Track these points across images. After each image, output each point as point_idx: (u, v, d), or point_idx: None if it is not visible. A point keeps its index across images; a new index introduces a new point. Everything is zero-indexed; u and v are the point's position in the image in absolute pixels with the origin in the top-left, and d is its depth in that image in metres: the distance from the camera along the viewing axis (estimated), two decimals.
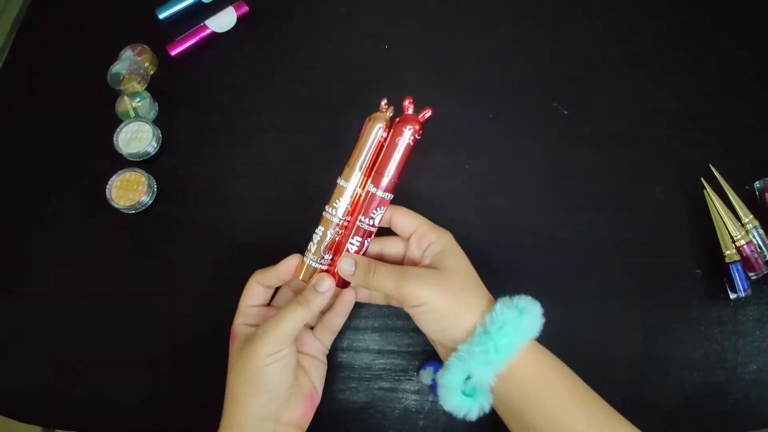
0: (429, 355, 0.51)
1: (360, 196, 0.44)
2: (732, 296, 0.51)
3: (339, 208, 0.44)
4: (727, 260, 0.51)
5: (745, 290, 0.50)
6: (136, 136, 0.57)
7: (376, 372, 0.51)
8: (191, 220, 0.56)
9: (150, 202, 0.56)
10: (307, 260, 0.44)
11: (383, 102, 0.44)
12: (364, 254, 0.45)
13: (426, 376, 0.49)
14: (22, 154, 0.60)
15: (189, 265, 0.55)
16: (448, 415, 0.50)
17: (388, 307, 0.52)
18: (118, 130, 0.57)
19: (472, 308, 0.41)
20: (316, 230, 0.44)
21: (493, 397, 0.41)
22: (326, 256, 0.44)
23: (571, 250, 0.54)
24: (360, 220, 0.44)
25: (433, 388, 0.49)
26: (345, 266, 0.43)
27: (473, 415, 0.40)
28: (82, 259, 0.55)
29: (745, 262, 0.51)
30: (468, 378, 0.40)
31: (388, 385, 0.51)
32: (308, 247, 0.45)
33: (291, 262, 0.44)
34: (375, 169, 0.44)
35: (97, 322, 0.53)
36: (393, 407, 0.50)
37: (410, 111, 0.43)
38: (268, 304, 0.48)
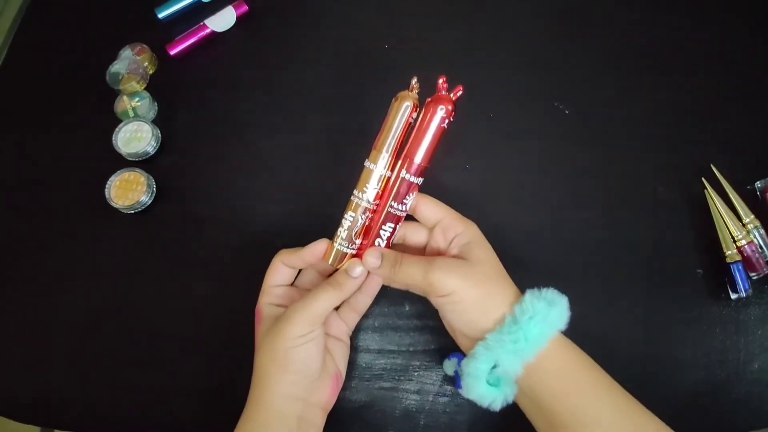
0: (429, 355, 0.51)
1: (389, 179, 0.43)
2: (733, 296, 0.50)
3: (368, 192, 0.42)
4: (728, 260, 0.51)
5: (746, 290, 0.50)
6: (136, 136, 0.57)
7: (376, 372, 0.51)
8: (190, 220, 0.56)
9: (149, 202, 0.56)
10: (336, 245, 0.43)
11: (413, 80, 0.41)
12: (393, 241, 0.45)
13: (449, 366, 0.49)
14: (21, 153, 0.59)
15: (188, 264, 0.54)
16: (449, 415, 0.50)
17: (389, 306, 0.52)
18: (117, 129, 0.57)
19: (501, 298, 0.41)
20: (346, 215, 0.43)
21: (516, 389, 0.40)
22: (357, 241, 0.43)
23: (572, 249, 0.54)
24: (391, 206, 0.43)
25: (455, 379, 0.48)
26: (372, 259, 0.43)
27: (497, 405, 0.40)
28: (80, 259, 0.55)
29: (746, 262, 0.50)
30: (494, 368, 0.40)
31: (389, 385, 0.51)
32: (338, 232, 0.43)
33: (319, 246, 0.44)
34: (405, 152, 0.42)
35: (96, 322, 0.53)
36: (393, 407, 0.50)
37: (443, 92, 0.41)
38: (292, 284, 0.48)
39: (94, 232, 0.56)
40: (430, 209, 0.45)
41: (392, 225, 0.43)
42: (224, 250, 0.55)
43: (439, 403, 0.50)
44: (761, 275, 0.50)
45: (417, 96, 0.41)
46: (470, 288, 0.40)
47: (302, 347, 0.41)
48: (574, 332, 0.51)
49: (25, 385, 0.52)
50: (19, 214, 0.57)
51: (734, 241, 0.51)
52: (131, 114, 0.58)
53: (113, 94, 0.60)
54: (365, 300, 0.48)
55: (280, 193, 0.56)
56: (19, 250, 0.56)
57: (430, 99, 0.41)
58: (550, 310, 0.39)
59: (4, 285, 0.55)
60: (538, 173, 0.56)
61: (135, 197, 0.55)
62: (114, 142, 0.57)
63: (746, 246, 0.50)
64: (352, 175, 0.56)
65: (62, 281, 0.54)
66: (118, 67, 0.60)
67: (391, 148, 0.42)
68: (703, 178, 0.54)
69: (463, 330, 0.43)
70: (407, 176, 0.42)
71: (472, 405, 0.49)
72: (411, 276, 0.42)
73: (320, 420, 0.45)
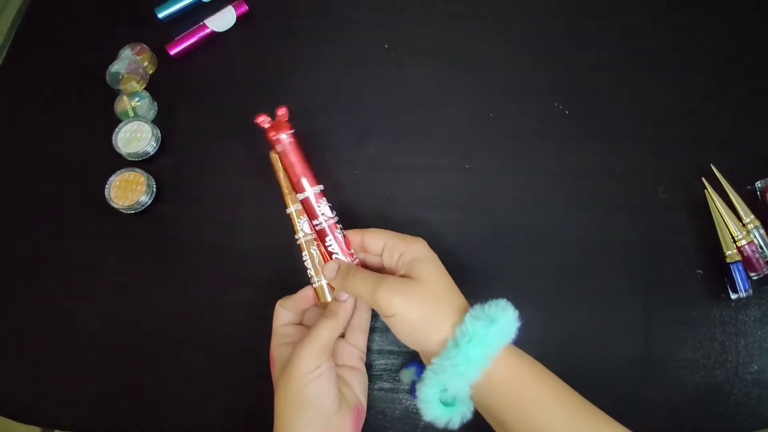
0: None
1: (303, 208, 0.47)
2: (733, 296, 0.50)
3: (302, 228, 0.47)
4: (728, 260, 0.51)
5: (746, 290, 0.50)
6: (135, 136, 0.57)
7: (376, 372, 0.51)
8: (190, 220, 0.56)
9: (149, 202, 0.56)
10: (316, 285, 0.46)
11: (260, 119, 0.47)
12: (347, 247, 0.46)
13: (407, 375, 0.50)
14: (20, 153, 0.59)
15: (188, 264, 0.54)
16: None
17: None
18: (117, 129, 0.57)
19: (445, 319, 0.41)
20: (303, 257, 0.47)
21: (472, 405, 0.41)
22: None
23: (572, 250, 0.54)
24: (316, 224, 0.46)
25: (411, 389, 0.49)
26: (328, 271, 0.45)
27: (455, 424, 0.41)
28: (80, 259, 0.55)
29: (746, 262, 0.50)
30: (445, 390, 0.40)
31: (389, 386, 0.51)
32: (309, 274, 0.47)
33: (306, 293, 0.46)
34: (289, 179, 0.47)
35: (95, 322, 0.53)
36: (393, 408, 0.50)
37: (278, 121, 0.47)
38: (301, 323, 0.48)
39: (94, 232, 0.56)
40: (374, 238, 0.46)
41: (331, 237, 0.46)
42: (224, 250, 0.55)
43: (417, 409, 0.50)
44: (761, 275, 0.50)
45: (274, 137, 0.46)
46: (414, 309, 0.40)
47: (313, 383, 0.41)
48: (575, 332, 0.51)
49: (25, 385, 0.52)
50: (19, 214, 0.57)
51: (734, 241, 0.51)
52: (131, 114, 0.58)
53: (113, 94, 0.60)
54: (365, 315, 0.48)
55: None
56: (18, 250, 0.56)
57: (267, 135, 0.46)
58: (489, 329, 0.39)
59: (4, 285, 0.55)
60: (538, 173, 0.56)
61: (135, 197, 0.54)
62: (114, 142, 0.56)
63: (746, 246, 0.50)
64: (352, 175, 0.56)
65: (62, 281, 0.54)
66: (118, 67, 0.60)
67: (301, 174, 0.46)
68: (703, 178, 0.54)
69: (414, 348, 0.43)
70: (305, 193, 0.46)
71: None
72: (360, 290, 0.42)
73: None
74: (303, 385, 0.41)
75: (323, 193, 0.47)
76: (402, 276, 0.43)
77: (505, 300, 0.41)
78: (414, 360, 0.50)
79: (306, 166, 0.47)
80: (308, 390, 0.41)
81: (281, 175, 0.47)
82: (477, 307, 0.41)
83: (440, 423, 0.41)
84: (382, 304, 0.40)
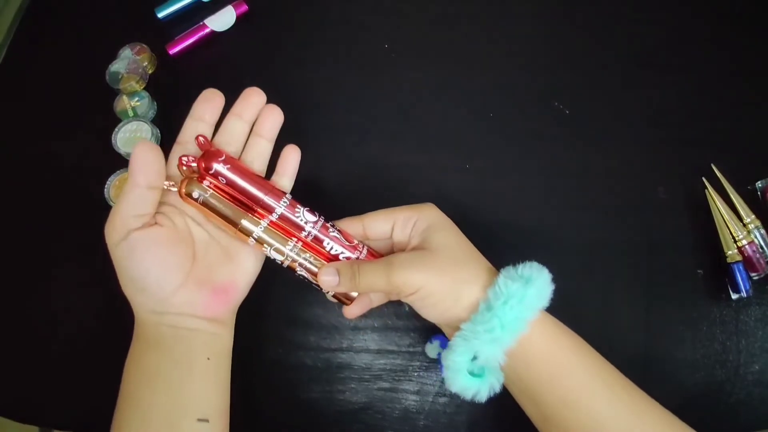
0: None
1: (279, 227, 0.42)
2: (734, 296, 0.50)
3: (286, 253, 0.41)
4: (729, 260, 0.51)
5: (746, 290, 0.50)
6: (135, 136, 0.57)
7: (375, 372, 0.51)
8: None
9: None
10: (329, 296, 0.44)
11: (184, 159, 0.42)
12: (348, 240, 0.43)
13: (432, 350, 0.48)
14: (20, 153, 0.59)
15: None
16: (449, 416, 0.50)
17: (388, 306, 0.52)
18: (116, 129, 0.57)
19: (472, 283, 0.38)
20: (299, 274, 0.43)
21: (503, 377, 0.38)
22: (317, 262, 0.43)
23: (572, 249, 0.53)
24: (304, 235, 0.42)
25: (439, 362, 0.47)
26: (328, 278, 0.41)
27: (483, 396, 0.38)
28: (80, 259, 0.55)
29: (747, 263, 0.50)
30: (475, 358, 0.37)
31: (388, 386, 0.50)
32: (320, 289, 0.43)
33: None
34: (250, 201, 0.42)
35: (95, 322, 0.53)
36: (393, 407, 0.50)
37: (202, 151, 0.42)
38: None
39: (94, 232, 0.56)
40: (377, 222, 0.43)
41: (327, 241, 0.42)
42: None
43: (439, 403, 0.50)
44: (762, 275, 0.50)
45: (194, 172, 0.42)
46: (437, 279, 0.37)
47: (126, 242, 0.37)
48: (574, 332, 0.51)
49: (25, 385, 0.52)
50: (19, 214, 0.57)
51: (735, 241, 0.51)
52: (131, 113, 0.58)
53: (113, 93, 0.60)
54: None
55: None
56: (18, 249, 0.56)
57: (199, 168, 0.41)
58: (526, 290, 0.36)
59: (4, 285, 0.55)
60: (537, 173, 0.56)
61: None
62: (114, 141, 0.56)
63: (747, 246, 0.50)
64: (352, 175, 0.56)
65: (62, 281, 0.54)
66: (117, 66, 0.60)
67: (238, 217, 0.41)
68: (703, 178, 0.54)
69: (439, 321, 0.41)
70: (277, 208, 0.41)
71: (472, 405, 0.49)
72: (373, 282, 0.39)
73: (205, 326, 0.40)
74: (113, 244, 0.37)
75: (294, 201, 0.43)
76: (414, 248, 0.40)
77: (536, 262, 0.39)
78: (437, 333, 0.48)
79: (259, 178, 0.42)
80: (117, 251, 0.37)
81: (220, 211, 0.41)
82: (509, 268, 0.38)
83: (467, 394, 0.38)
84: (401, 285, 0.38)
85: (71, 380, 0.52)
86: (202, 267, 0.41)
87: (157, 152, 0.38)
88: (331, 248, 0.42)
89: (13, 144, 0.60)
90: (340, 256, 0.42)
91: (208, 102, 0.44)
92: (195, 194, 0.40)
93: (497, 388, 0.38)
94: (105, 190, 0.55)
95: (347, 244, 0.43)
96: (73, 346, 0.52)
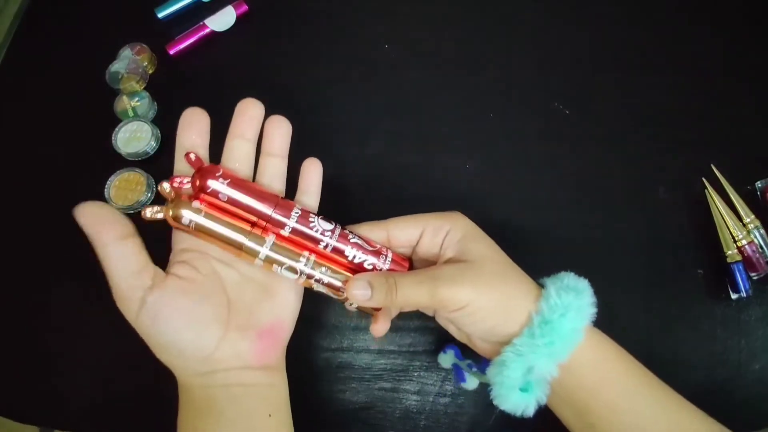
0: (430, 355, 0.51)
1: (290, 241, 0.37)
2: (734, 296, 0.50)
3: (299, 270, 0.37)
4: (729, 260, 0.51)
5: (746, 290, 0.50)
6: (135, 136, 0.57)
7: (376, 372, 0.51)
8: None
9: (149, 202, 0.55)
10: (353, 307, 0.40)
11: (167, 185, 0.38)
12: (371, 246, 0.38)
13: (445, 360, 0.47)
14: (20, 153, 0.59)
15: None
16: (450, 416, 0.50)
17: None
18: (116, 129, 0.57)
19: (521, 297, 0.36)
20: (315, 289, 0.38)
21: (549, 390, 0.37)
22: (340, 275, 0.38)
23: (573, 249, 0.53)
24: (322, 247, 0.37)
25: (456, 372, 0.47)
26: (359, 291, 0.36)
27: (531, 411, 0.37)
28: (80, 259, 0.55)
29: (747, 262, 0.50)
30: (528, 372, 0.36)
31: (389, 386, 0.50)
32: (342, 302, 0.39)
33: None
34: (257, 220, 0.37)
35: (95, 322, 0.53)
36: (394, 408, 0.50)
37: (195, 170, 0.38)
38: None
39: None
40: (405, 229, 0.39)
41: (349, 249, 0.38)
42: None
43: (439, 403, 0.50)
44: (762, 275, 0.50)
45: (188, 195, 0.37)
46: (486, 294, 0.36)
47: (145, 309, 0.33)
48: None
49: (25, 385, 0.52)
50: (19, 213, 0.57)
51: (735, 241, 0.51)
52: (131, 114, 0.58)
53: (113, 93, 0.60)
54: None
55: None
56: (18, 249, 0.56)
57: (194, 189, 0.37)
58: (580, 300, 0.36)
59: (4, 285, 0.55)
60: (538, 173, 0.56)
61: (134, 197, 0.54)
62: (114, 142, 0.56)
63: (747, 246, 0.50)
64: (352, 175, 0.56)
65: (61, 281, 0.54)
66: (117, 66, 0.60)
67: (238, 239, 0.36)
68: (703, 178, 0.54)
69: (483, 337, 0.39)
70: (288, 223, 0.37)
71: (472, 405, 0.49)
72: (414, 298, 0.36)
73: (257, 380, 0.37)
74: (133, 318, 0.33)
75: (306, 210, 0.38)
76: (450, 260, 0.38)
77: (571, 272, 0.38)
78: (450, 343, 0.48)
79: (263, 191, 0.37)
80: (141, 319, 0.32)
81: (221, 233, 0.35)
82: (555, 279, 0.37)
83: (518, 410, 0.37)
84: (447, 302, 0.35)
85: (71, 380, 0.52)
86: (240, 311, 0.37)
87: (99, 204, 0.34)
88: (354, 257, 0.38)
89: (12, 144, 0.60)
90: (365, 264, 0.38)
91: (192, 126, 0.39)
92: (186, 218, 0.35)
93: (544, 402, 0.37)
94: (105, 190, 0.55)
95: (370, 249, 0.38)
96: (73, 346, 0.52)
